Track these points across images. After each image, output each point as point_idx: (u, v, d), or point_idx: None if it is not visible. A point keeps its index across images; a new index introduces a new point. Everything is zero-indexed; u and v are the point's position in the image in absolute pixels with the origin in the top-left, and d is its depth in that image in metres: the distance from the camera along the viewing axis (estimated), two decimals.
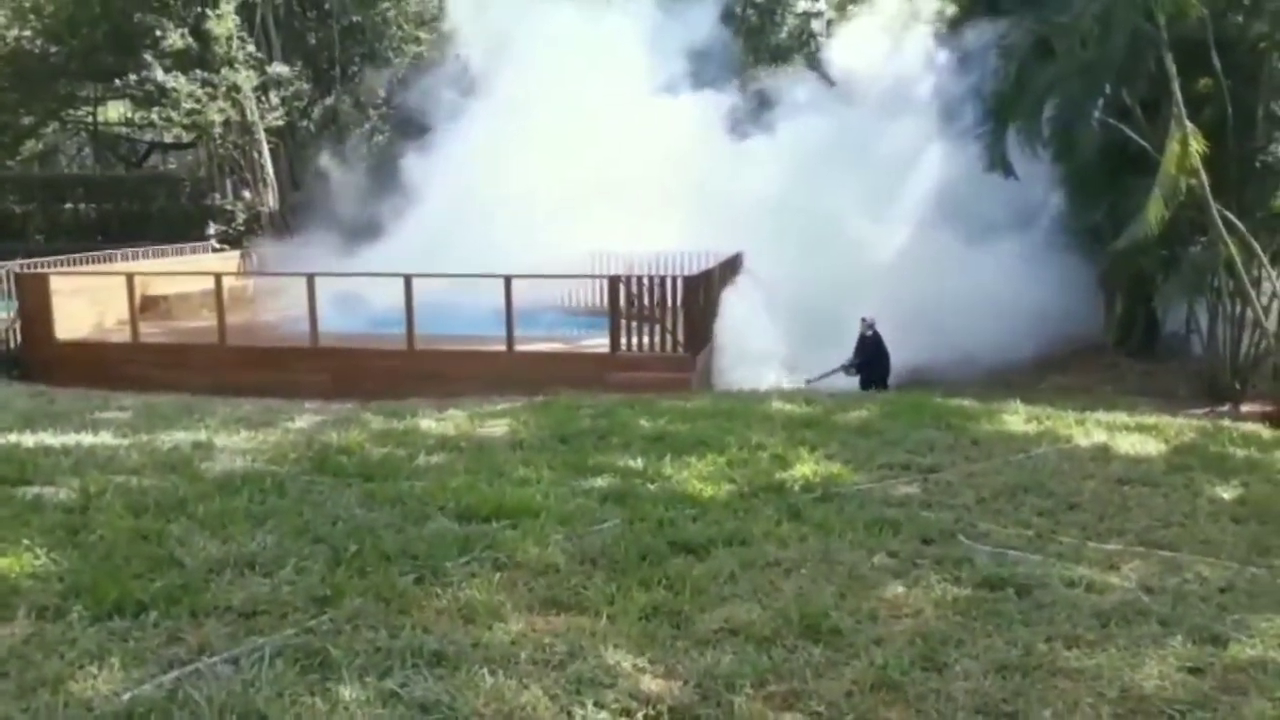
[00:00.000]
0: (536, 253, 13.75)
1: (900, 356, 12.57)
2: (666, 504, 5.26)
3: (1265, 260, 11.82)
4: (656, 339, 12.66)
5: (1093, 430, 7.25)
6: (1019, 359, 12.72)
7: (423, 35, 23.40)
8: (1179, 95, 10.78)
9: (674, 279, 12.95)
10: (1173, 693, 3.41)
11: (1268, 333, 11.84)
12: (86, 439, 6.89)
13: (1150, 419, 7.79)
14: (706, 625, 3.84)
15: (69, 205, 26.02)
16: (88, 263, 16.56)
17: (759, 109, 19.12)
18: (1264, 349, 12.19)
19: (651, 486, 5.65)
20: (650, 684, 3.41)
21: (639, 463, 6.16)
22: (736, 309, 12.96)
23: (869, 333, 12.44)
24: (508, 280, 12.53)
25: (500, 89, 18.11)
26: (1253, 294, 11.81)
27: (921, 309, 13.11)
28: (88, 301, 14.59)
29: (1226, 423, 8.34)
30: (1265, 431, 7.80)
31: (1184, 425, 7.74)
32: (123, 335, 14.10)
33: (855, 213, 15.06)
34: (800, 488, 5.65)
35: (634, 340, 12.71)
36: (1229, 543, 4.88)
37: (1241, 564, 4.58)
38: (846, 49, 19.18)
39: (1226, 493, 5.74)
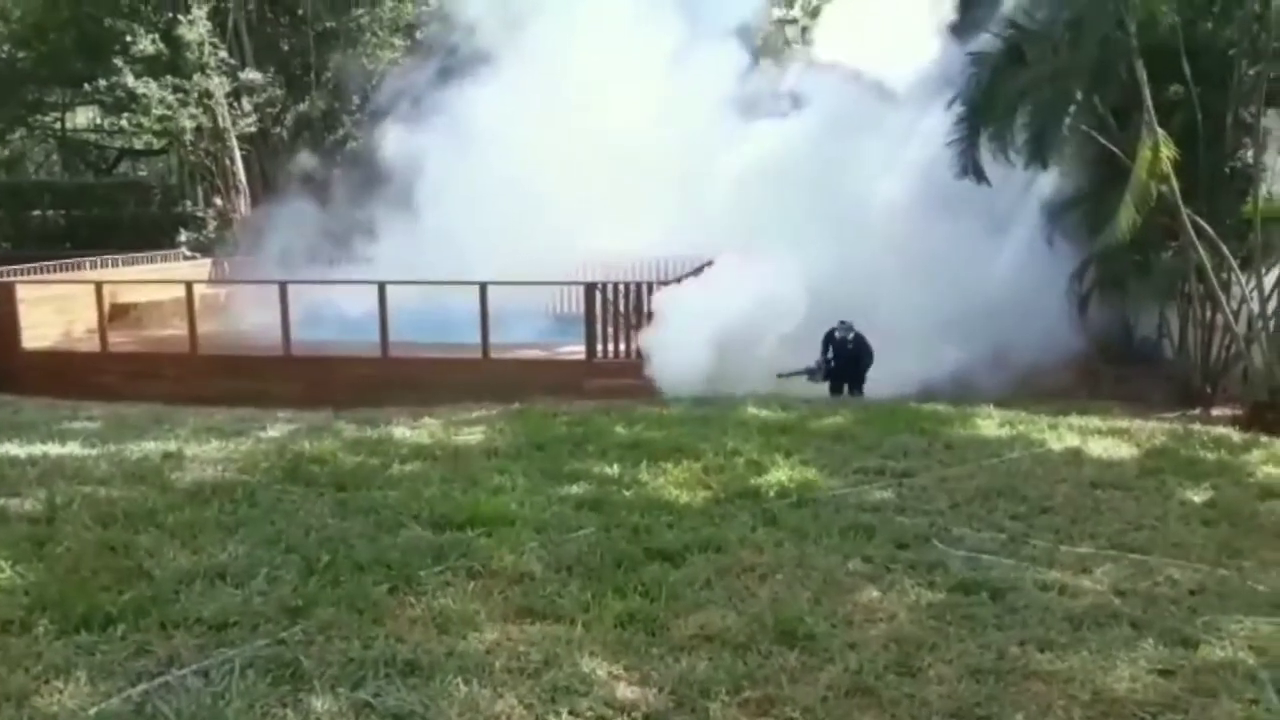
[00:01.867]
0: (528, 253, 13.53)
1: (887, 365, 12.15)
2: (642, 511, 5.26)
3: (1235, 265, 11.95)
4: (634, 345, 12.63)
5: (1065, 434, 7.30)
6: (993, 364, 12.70)
7: (397, 41, 23.28)
8: (1150, 102, 10.91)
9: (649, 285, 12.94)
10: (1144, 695, 3.44)
11: (1238, 337, 11.97)
12: (54, 449, 6.80)
13: (1122, 423, 7.86)
14: (682, 632, 3.84)
15: (36, 212, 25.69)
16: (55, 270, 16.36)
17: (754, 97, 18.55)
18: (1234, 353, 12.33)
19: (627, 493, 5.65)
20: (625, 691, 3.41)
21: (615, 470, 6.16)
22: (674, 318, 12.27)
23: (849, 336, 11.98)
24: (483, 287, 12.49)
25: (484, 86, 17.78)
26: (1223, 298, 11.95)
27: (895, 317, 12.90)
28: (55, 310, 14.39)
29: (1197, 426, 8.40)
30: (1235, 435, 7.87)
31: (1155, 429, 7.81)
32: (91, 344, 13.92)
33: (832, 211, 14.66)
34: (775, 493, 5.66)
35: (611, 347, 12.69)
36: (1199, 545, 4.92)
37: (1212, 566, 4.63)
38: (826, 48, 18.68)
39: (1197, 496, 5.80)
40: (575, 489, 5.74)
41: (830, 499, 5.61)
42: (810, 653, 3.69)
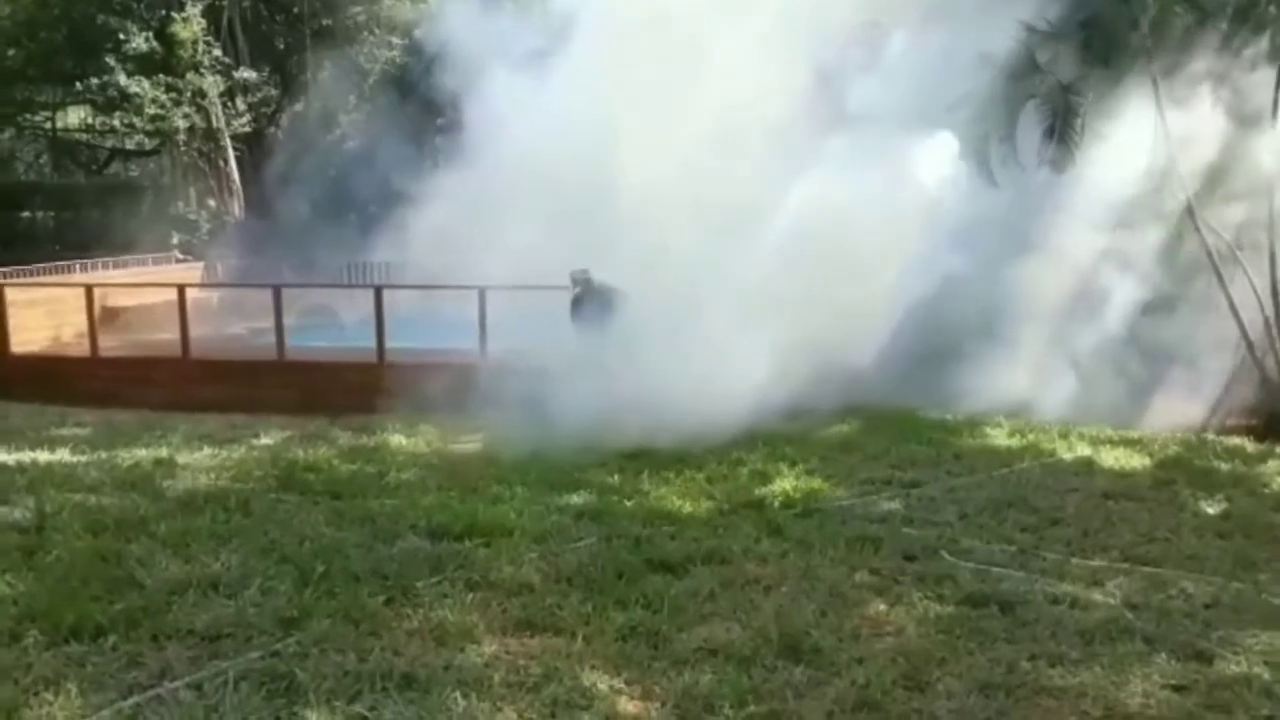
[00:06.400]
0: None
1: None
2: (644, 521, 5.21)
3: (1249, 273, 11.90)
4: None
5: (1076, 444, 7.20)
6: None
7: (395, 40, 23.20)
8: (1162, 105, 10.95)
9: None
10: (1157, 711, 3.38)
11: (1252, 345, 11.93)
12: (43, 456, 6.78)
13: (1134, 433, 7.78)
14: (685, 645, 3.78)
15: (25, 213, 25.53)
16: (45, 273, 16.22)
17: None
18: (1248, 362, 12.28)
19: (629, 503, 5.60)
20: (627, 705, 3.36)
21: (616, 479, 6.11)
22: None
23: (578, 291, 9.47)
24: (481, 292, 12.39)
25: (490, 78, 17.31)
26: (1236, 306, 11.88)
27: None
28: (44, 314, 14.25)
29: (1211, 436, 8.28)
30: (1249, 445, 7.75)
31: (1168, 439, 7.69)
32: (81, 349, 13.80)
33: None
34: (780, 504, 5.60)
35: None
36: (1214, 558, 4.85)
37: (1226, 579, 4.56)
38: None
39: (1211, 507, 5.72)
40: (575, 498, 5.69)
41: (836, 509, 5.55)
42: (816, 667, 3.63)
